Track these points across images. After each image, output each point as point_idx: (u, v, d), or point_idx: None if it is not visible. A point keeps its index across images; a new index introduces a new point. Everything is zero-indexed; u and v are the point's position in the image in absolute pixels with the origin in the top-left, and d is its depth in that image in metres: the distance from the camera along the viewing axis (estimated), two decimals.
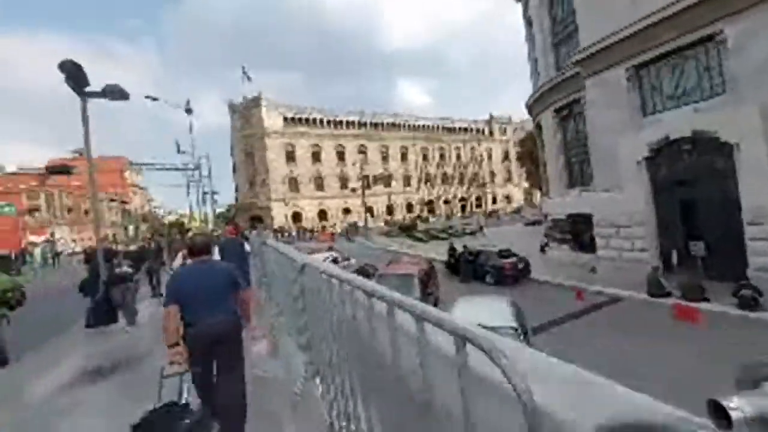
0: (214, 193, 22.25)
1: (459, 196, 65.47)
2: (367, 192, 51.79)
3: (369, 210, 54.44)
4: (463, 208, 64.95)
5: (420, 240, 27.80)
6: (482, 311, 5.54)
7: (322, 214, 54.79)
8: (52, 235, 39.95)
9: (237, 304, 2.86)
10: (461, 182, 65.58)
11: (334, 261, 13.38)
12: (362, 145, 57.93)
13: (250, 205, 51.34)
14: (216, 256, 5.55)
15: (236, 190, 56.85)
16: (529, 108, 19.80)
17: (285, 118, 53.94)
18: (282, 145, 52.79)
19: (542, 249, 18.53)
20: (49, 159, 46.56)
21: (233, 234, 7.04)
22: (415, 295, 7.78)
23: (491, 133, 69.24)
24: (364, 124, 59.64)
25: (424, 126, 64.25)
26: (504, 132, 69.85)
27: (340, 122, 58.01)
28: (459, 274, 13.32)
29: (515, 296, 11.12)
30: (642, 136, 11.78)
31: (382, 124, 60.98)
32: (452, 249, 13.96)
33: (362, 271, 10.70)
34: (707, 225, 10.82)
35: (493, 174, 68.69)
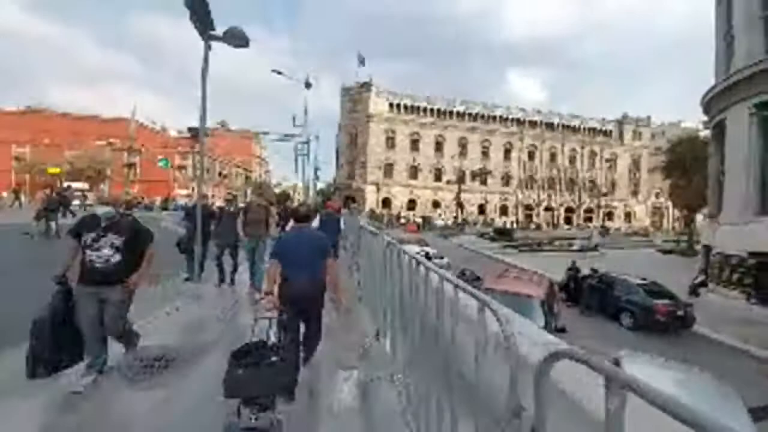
0: (317, 169, 23.33)
1: (565, 205, 57.44)
2: (462, 187, 49.26)
3: (460, 206, 52.08)
4: (569, 220, 56.86)
5: (518, 248, 24.72)
6: (682, 396, 3.66)
7: (411, 204, 54.36)
8: (192, 189, 48.62)
9: (325, 271, 3.21)
10: (571, 190, 57.26)
11: (427, 257, 12.29)
12: (463, 138, 55.04)
13: (347, 185, 53.86)
14: (315, 223, 6.08)
15: (336, 170, 60.36)
16: (709, 102, 15.03)
17: (391, 105, 54.47)
18: (384, 130, 53.58)
19: (694, 290, 14.19)
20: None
21: (334, 210, 7.54)
22: (537, 326, 6.08)
23: (621, 136, 58.35)
24: (468, 116, 56.40)
25: (535, 122, 57.62)
26: (638, 136, 58.14)
27: (444, 112, 55.99)
28: (577, 302, 10.82)
29: (664, 352, 8.36)
30: None
31: (487, 116, 56.75)
32: (574, 269, 11.39)
33: (464, 278, 9.30)
34: None
35: (614, 185, 58.16)
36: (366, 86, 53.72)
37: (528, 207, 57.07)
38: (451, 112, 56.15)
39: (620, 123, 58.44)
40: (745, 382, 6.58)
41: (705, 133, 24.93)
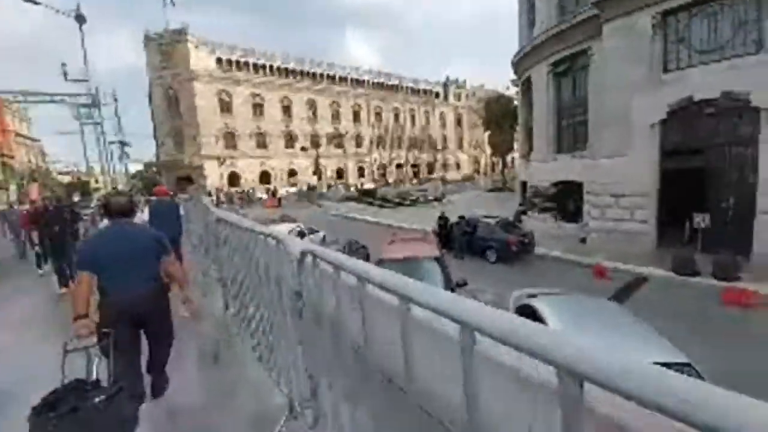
0: (123, 144, 16.68)
1: (411, 161, 63.93)
2: (316, 153, 47.39)
3: (319, 173, 50.61)
4: (415, 174, 63.85)
5: (384, 207, 25.52)
6: (609, 333, 3.52)
7: (264, 176, 49.26)
8: None
9: (163, 271, 2.58)
10: (414, 146, 63.83)
11: (300, 235, 10.51)
12: (312, 100, 52.09)
13: (176, 163, 43.63)
14: (144, 217, 5.08)
15: (157, 144, 47.76)
16: (517, 63, 17.85)
17: (219, 60, 45.52)
18: (215, 91, 44.83)
19: (517, 218, 17.53)
20: None
21: (165, 194, 6.08)
22: (438, 287, 5.48)
23: (446, 97, 67.56)
24: (315, 75, 53.36)
25: (379, 83, 59.88)
26: (458, 97, 68.68)
27: (287, 70, 51.01)
28: (451, 248, 11.45)
29: (524, 276, 9.67)
30: (661, 95, 10.53)
31: (335, 76, 55.21)
32: (443, 219, 11.93)
33: (352, 251, 8.10)
34: (715, 197, 10.21)
35: (445, 139, 68.00)
36: (180, 34, 42.73)
37: (381, 166, 60.68)
38: (295, 71, 51.72)
39: (445, 85, 67.32)
40: (570, 285, 7.93)
41: (511, 92, 30.87)
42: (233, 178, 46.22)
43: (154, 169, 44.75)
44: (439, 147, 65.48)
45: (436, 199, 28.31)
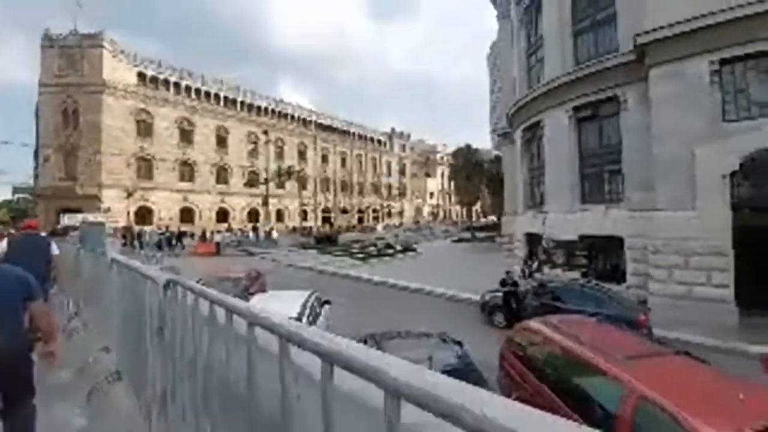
0: None
1: (357, 207, 61.25)
2: (255, 192, 41.52)
3: (252, 213, 44.37)
4: (360, 219, 60.97)
5: (358, 257, 21.30)
6: None
7: (187, 213, 40.86)
8: None
9: (30, 321, 2.30)
10: (361, 192, 61.71)
11: (312, 315, 6.13)
12: (253, 133, 46.91)
13: (64, 190, 33.22)
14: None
15: (37, 165, 36.47)
16: (517, 110, 16.95)
17: (141, 75, 38.38)
18: (131, 109, 36.99)
19: (530, 275, 15.27)
20: None
21: (34, 228, 5.00)
22: None
23: (391, 147, 68.60)
24: (258, 108, 48.93)
25: (328, 126, 57.89)
26: (403, 149, 70.38)
27: (225, 98, 45.72)
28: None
29: None
30: (729, 146, 9.57)
31: (280, 113, 51.51)
32: (511, 283, 8.65)
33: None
34: None
35: (390, 187, 67.62)
36: (93, 38, 35.21)
37: (326, 210, 56.41)
38: (235, 101, 46.66)
39: (390, 136, 68.66)
40: None
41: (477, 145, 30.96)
42: (142, 214, 36.91)
43: (29, 196, 33.27)
44: (385, 194, 64.51)
45: (407, 249, 25.21)
